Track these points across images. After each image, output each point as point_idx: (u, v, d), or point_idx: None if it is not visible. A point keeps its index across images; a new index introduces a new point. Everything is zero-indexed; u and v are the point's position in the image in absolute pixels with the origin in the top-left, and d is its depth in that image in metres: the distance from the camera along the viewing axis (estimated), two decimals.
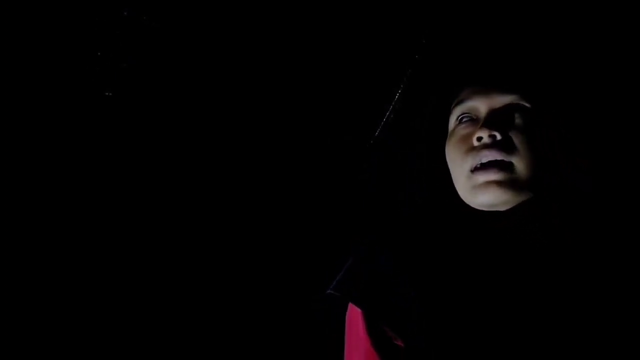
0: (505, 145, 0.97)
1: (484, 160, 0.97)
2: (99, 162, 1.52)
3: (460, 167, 1.00)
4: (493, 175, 0.96)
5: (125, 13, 1.43)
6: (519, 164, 0.96)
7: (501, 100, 1.01)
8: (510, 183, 0.96)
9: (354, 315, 1.04)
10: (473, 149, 0.99)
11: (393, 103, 1.45)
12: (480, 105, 1.02)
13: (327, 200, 1.58)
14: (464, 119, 1.03)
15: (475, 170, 0.98)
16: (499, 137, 0.97)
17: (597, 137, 1.10)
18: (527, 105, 1.00)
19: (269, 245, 1.57)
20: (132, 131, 1.53)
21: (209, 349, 1.54)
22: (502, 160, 0.96)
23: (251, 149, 1.58)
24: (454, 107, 1.06)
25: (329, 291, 1.04)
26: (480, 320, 0.94)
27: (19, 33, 1.43)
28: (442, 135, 1.09)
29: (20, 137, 1.48)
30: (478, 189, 0.98)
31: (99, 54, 1.46)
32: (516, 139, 0.97)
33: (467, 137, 1.01)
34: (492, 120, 0.98)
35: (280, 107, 1.56)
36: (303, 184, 1.59)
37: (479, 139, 0.98)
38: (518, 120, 0.99)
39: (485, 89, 1.02)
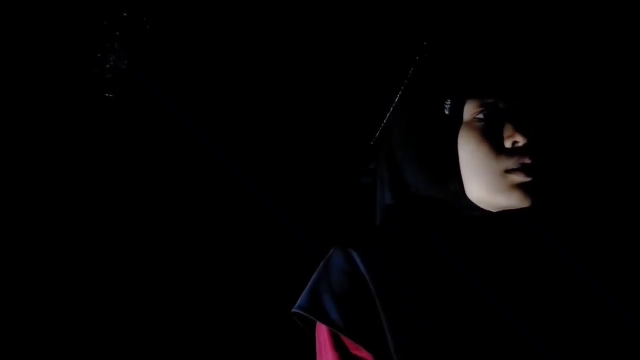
0: (534, 151, 0.99)
1: (517, 165, 0.99)
2: (99, 163, 1.52)
3: (494, 165, 1.00)
4: (527, 178, 0.98)
5: (125, 13, 1.44)
6: (544, 169, 1.00)
7: (522, 101, 1.02)
8: (537, 186, 0.99)
9: (322, 329, 1.03)
10: (506, 150, 1.00)
11: (393, 104, 1.45)
12: (501, 104, 1.02)
13: (327, 200, 1.58)
14: (482, 114, 1.03)
15: (511, 171, 0.99)
16: (531, 142, 0.99)
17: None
18: (541, 108, 1.03)
19: (268, 246, 1.57)
20: (132, 132, 1.53)
21: (207, 349, 1.54)
22: (532, 164, 0.99)
23: (251, 150, 1.58)
24: (468, 100, 1.05)
25: (293, 310, 1.02)
26: (460, 335, 0.93)
27: (19, 34, 1.44)
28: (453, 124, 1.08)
29: (20, 138, 1.48)
30: (510, 189, 0.99)
31: (99, 54, 1.46)
32: (541, 145, 1.00)
33: (493, 136, 1.01)
34: (523, 125, 1.00)
35: (281, 108, 1.56)
36: (303, 184, 1.58)
37: (515, 143, 1.00)
38: (540, 125, 1.01)
39: (506, 88, 1.02)
